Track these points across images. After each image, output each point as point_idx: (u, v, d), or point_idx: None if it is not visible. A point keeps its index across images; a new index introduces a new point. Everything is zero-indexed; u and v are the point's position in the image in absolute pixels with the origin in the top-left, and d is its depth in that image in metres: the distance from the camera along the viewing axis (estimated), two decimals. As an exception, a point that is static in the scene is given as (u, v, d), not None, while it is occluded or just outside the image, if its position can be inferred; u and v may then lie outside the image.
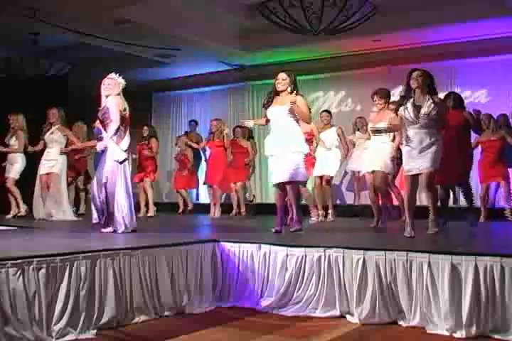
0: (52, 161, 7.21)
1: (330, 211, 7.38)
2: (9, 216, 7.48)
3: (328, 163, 7.24)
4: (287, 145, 5.05)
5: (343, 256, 3.89)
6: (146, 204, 8.44)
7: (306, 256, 4.02)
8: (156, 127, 9.51)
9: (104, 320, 3.50)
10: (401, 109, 4.84)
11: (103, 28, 8.18)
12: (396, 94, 8.64)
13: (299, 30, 7.38)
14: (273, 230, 5.17)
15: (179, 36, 8.44)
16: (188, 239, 4.54)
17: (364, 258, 3.80)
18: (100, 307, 3.49)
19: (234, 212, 8.73)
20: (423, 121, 4.69)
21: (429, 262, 3.58)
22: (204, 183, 8.57)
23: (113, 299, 3.56)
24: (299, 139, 5.13)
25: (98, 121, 5.29)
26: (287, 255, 4.10)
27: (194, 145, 9.44)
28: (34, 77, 9.30)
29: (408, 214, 4.85)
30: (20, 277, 3.14)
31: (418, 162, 4.74)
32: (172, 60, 9.98)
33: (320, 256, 3.97)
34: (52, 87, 9.47)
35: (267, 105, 5.22)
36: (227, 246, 4.38)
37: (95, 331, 3.40)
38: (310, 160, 6.48)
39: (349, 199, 9.55)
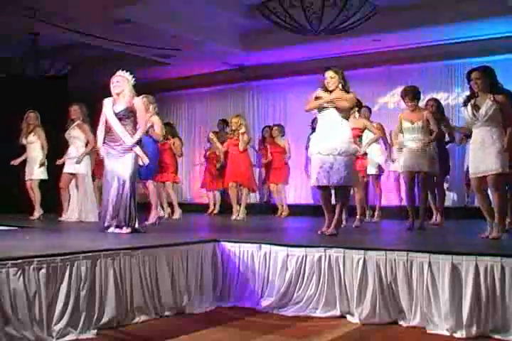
0: (73, 159, 7.01)
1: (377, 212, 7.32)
2: (34, 217, 7.34)
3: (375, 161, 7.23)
4: (338, 146, 4.90)
5: (344, 256, 3.89)
6: (170, 206, 8.20)
7: (306, 256, 4.03)
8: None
9: (105, 320, 3.50)
10: (462, 109, 4.78)
11: (103, 28, 8.17)
12: (396, 94, 8.70)
13: (299, 30, 7.37)
14: (321, 232, 5.09)
15: (179, 36, 8.43)
16: (188, 239, 4.54)
17: (364, 258, 3.80)
18: (100, 307, 3.50)
19: (279, 212, 8.69)
20: (482, 120, 4.55)
21: (430, 262, 3.59)
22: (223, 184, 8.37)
23: (113, 299, 3.56)
24: (350, 140, 5.00)
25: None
26: (288, 255, 4.11)
27: (218, 145, 8.56)
28: (34, 77, 9.29)
29: (486, 216, 4.65)
30: (21, 277, 3.14)
31: (483, 163, 4.53)
32: (172, 60, 9.96)
33: (320, 256, 3.97)
34: (52, 87, 9.46)
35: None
36: (228, 246, 4.38)
37: (96, 331, 3.41)
38: (362, 158, 6.35)
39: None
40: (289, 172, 8.94)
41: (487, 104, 4.53)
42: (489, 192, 4.66)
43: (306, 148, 6.33)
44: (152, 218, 6.49)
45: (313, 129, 8.72)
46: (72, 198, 7.15)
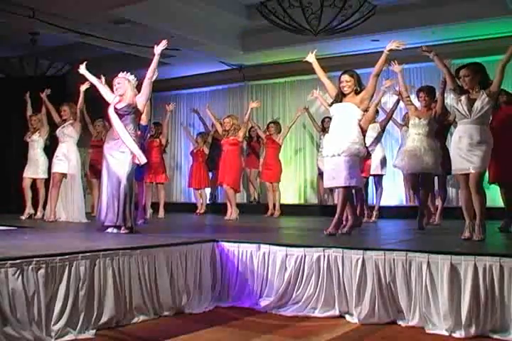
0: (63, 157, 7.00)
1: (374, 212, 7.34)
2: (23, 217, 7.39)
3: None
4: (338, 147, 4.86)
5: (343, 256, 3.89)
6: (153, 205, 8.30)
7: (305, 256, 4.02)
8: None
9: (104, 319, 3.50)
10: (453, 100, 4.63)
11: (103, 28, 8.18)
12: (396, 94, 8.68)
13: (298, 30, 7.37)
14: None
15: (179, 36, 8.43)
16: (187, 238, 4.54)
17: (363, 258, 3.80)
18: (99, 307, 3.50)
19: (269, 212, 8.61)
20: (475, 116, 4.45)
21: (429, 262, 3.59)
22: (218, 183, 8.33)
23: (112, 299, 3.56)
24: (354, 141, 4.88)
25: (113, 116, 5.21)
26: (286, 255, 4.11)
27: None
28: (34, 77, 9.29)
29: (466, 215, 4.56)
30: (20, 277, 3.13)
31: (467, 161, 4.44)
32: (172, 60, 9.97)
33: (319, 256, 3.97)
34: (52, 87, 9.44)
35: (332, 102, 5.06)
36: (227, 246, 4.38)
37: (94, 331, 3.41)
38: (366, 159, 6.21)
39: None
40: (282, 170, 8.85)
41: (483, 100, 4.45)
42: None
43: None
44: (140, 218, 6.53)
45: (323, 129, 8.82)
46: (59, 198, 7.13)
